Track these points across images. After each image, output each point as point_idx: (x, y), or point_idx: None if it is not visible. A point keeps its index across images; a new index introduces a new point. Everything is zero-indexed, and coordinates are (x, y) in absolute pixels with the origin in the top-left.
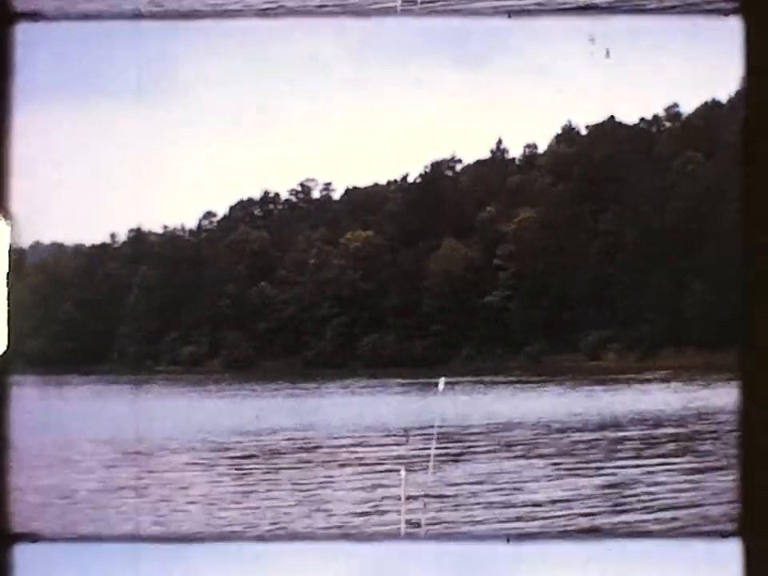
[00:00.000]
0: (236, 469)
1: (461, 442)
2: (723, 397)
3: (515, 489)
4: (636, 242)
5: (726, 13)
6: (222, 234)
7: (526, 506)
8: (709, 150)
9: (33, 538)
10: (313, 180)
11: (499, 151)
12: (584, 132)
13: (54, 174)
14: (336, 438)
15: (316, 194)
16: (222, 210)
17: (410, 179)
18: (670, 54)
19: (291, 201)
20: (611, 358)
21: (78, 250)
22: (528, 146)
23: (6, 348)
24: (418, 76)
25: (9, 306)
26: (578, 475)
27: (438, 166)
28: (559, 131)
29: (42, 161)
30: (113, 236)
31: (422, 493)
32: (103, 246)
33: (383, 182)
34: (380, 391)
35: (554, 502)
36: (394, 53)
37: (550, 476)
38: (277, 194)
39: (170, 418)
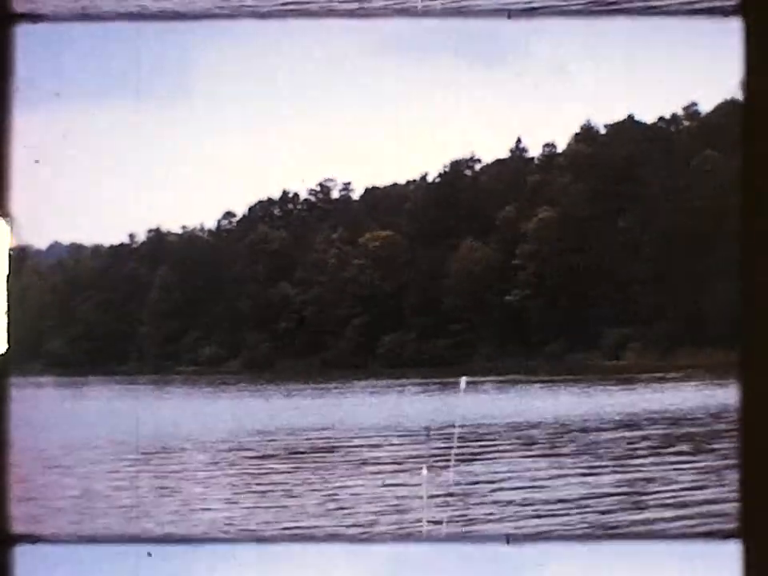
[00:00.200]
0: (256, 468)
1: (481, 441)
2: None
3: (535, 487)
4: (655, 240)
5: (726, 13)
6: (242, 234)
7: (547, 503)
8: (727, 148)
9: (33, 538)
10: (332, 180)
11: (518, 150)
12: (603, 131)
13: (71, 175)
14: (356, 438)
15: (335, 194)
16: (241, 210)
17: (430, 179)
18: (687, 53)
19: (310, 201)
20: (631, 357)
21: (97, 250)
22: (547, 145)
23: (5, 348)
24: (437, 75)
25: (28, 306)
26: (596, 474)
27: (457, 166)
28: (578, 130)
29: (46, 161)
30: (132, 236)
31: (445, 492)
32: (122, 246)
33: (403, 181)
34: (400, 391)
35: (573, 500)
36: (414, 52)
37: (570, 474)
38: (296, 194)
39: (189, 418)
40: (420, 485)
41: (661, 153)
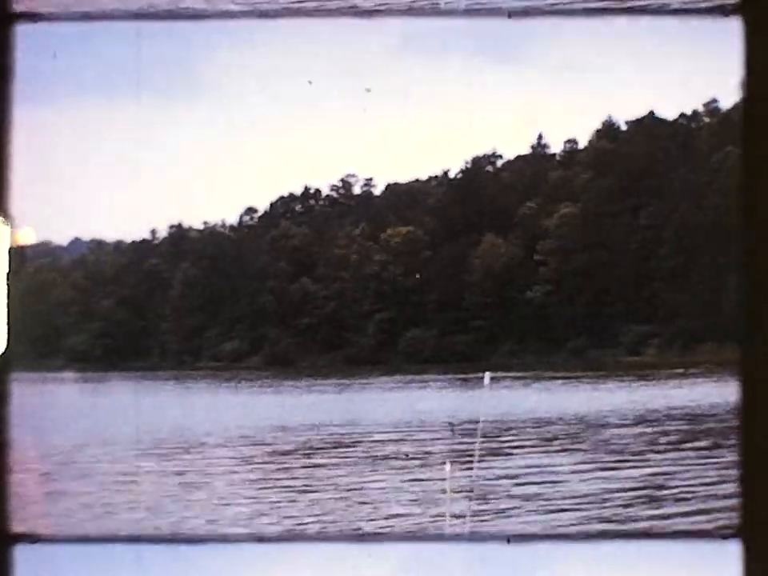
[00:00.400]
0: (277, 464)
1: (503, 436)
2: None
3: (556, 482)
4: (676, 237)
5: (725, 13)
6: (263, 230)
7: (566, 498)
8: None
9: (33, 538)
10: (354, 176)
11: (540, 147)
12: (624, 128)
13: (87, 172)
14: (378, 433)
15: (357, 190)
16: (263, 206)
17: (451, 175)
18: (707, 50)
19: (332, 196)
20: (652, 353)
21: (119, 246)
22: (569, 141)
23: (5, 347)
24: (458, 73)
25: (47, 303)
26: (616, 468)
27: (478, 162)
28: (599, 127)
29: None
30: (153, 232)
31: (468, 487)
32: (144, 242)
33: (424, 177)
34: (422, 386)
35: (594, 495)
36: (435, 50)
37: (590, 469)
38: (318, 190)
39: (210, 413)
40: (443, 480)
41: (681, 149)
